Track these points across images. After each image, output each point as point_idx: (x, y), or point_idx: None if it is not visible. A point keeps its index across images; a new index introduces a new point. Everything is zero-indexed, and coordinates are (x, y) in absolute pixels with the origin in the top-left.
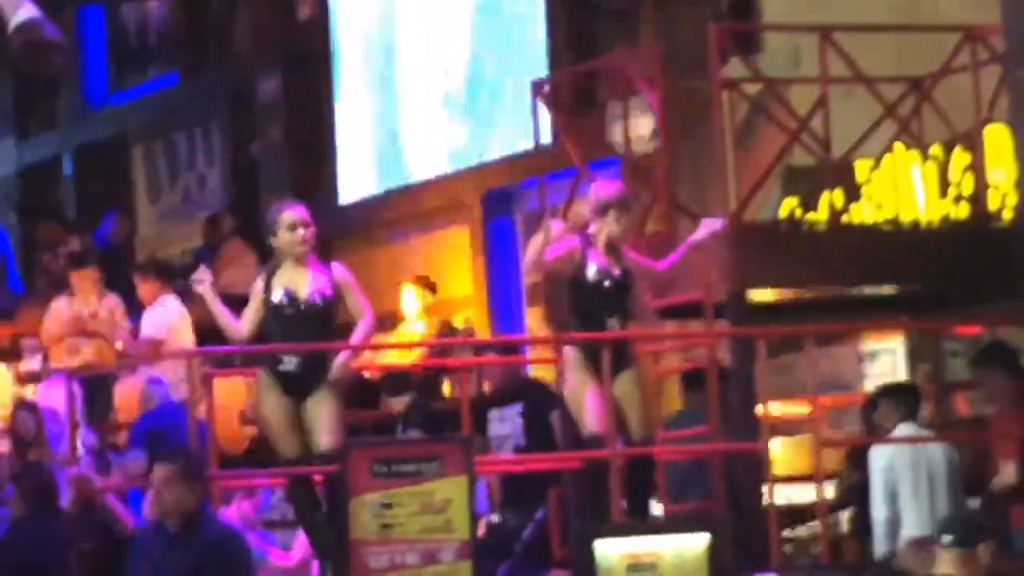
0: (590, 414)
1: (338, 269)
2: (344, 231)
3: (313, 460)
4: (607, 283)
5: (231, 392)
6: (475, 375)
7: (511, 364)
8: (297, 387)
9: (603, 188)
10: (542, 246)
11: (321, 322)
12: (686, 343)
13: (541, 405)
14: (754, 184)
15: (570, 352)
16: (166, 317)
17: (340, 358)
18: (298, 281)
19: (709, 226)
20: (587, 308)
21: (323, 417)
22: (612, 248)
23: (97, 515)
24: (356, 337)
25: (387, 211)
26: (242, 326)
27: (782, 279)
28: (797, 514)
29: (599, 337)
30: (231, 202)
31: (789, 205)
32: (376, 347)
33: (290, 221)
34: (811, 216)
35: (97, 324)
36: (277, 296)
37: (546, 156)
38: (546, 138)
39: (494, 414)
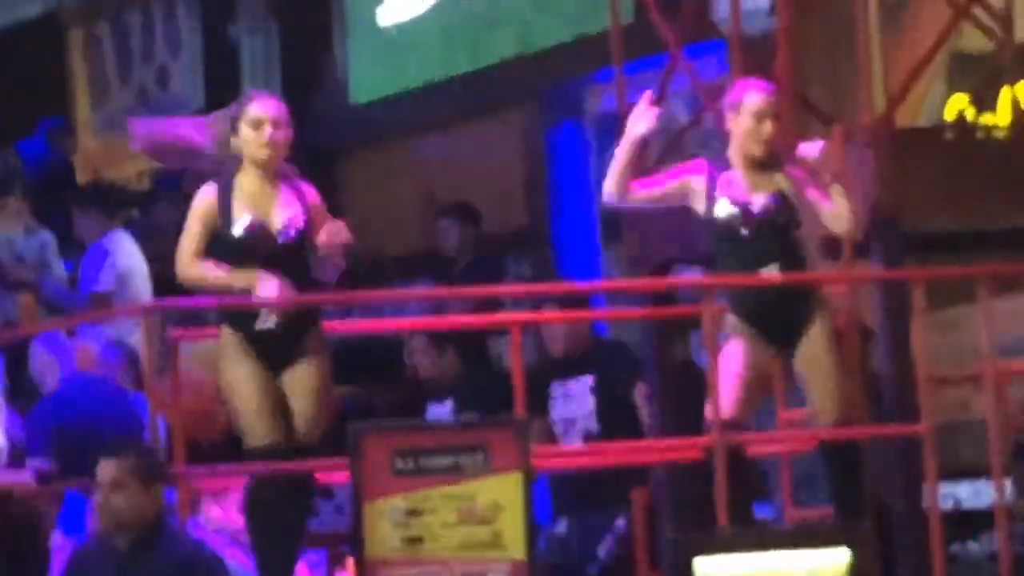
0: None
1: (311, 191)
2: (356, 140)
3: (292, 451)
4: (745, 219)
5: (202, 359)
6: (532, 336)
7: (580, 321)
8: (276, 352)
9: (743, 86)
10: (626, 159)
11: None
12: None
13: (620, 377)
14: (908, 76)
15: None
16: (114, 261)
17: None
18: (265, 206)
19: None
20: (728, 255)
21: (308, 393)
22: (759, 166)
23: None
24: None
25: (415, 114)
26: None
27: (948, 203)
28: (968, 521)
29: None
30: (203, 104)
31: (957, 104)
32: (405, 296)
33: (254, 115)
34: (987, 118)
35: (22, 270)
36: (239, 227)
37: (627, 39)
38: (627, 15)
39: (557, 389)
